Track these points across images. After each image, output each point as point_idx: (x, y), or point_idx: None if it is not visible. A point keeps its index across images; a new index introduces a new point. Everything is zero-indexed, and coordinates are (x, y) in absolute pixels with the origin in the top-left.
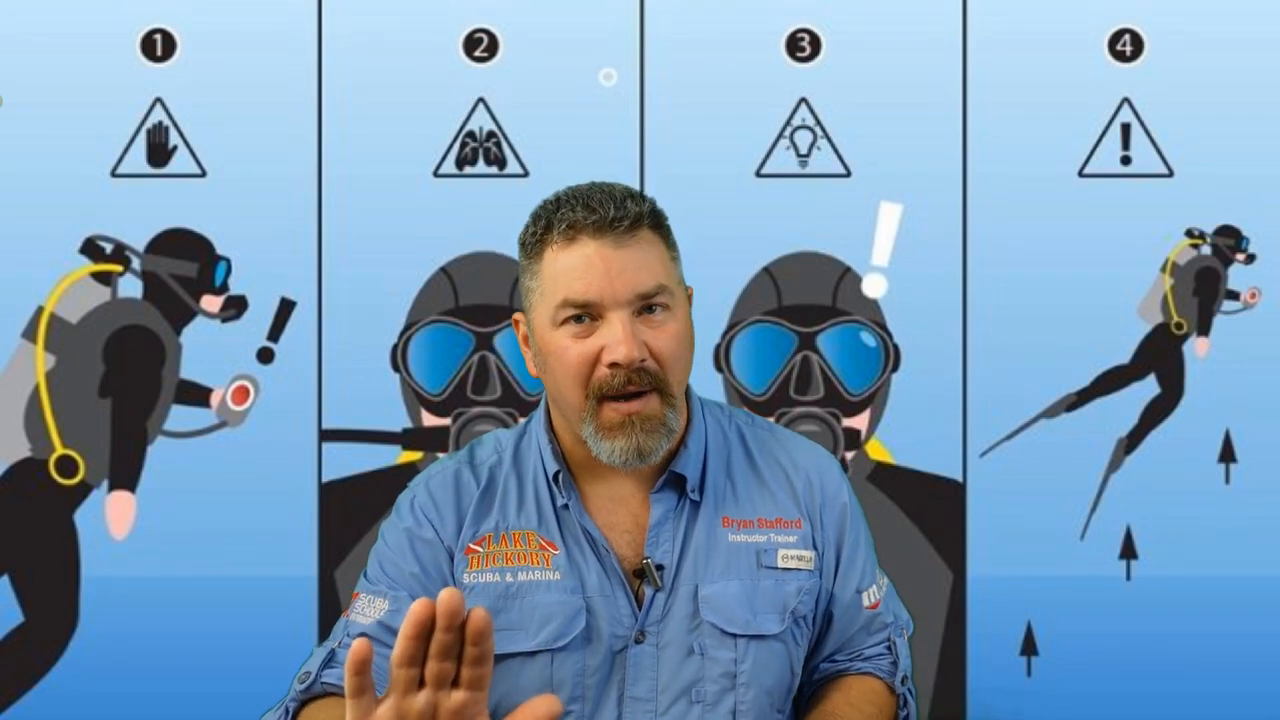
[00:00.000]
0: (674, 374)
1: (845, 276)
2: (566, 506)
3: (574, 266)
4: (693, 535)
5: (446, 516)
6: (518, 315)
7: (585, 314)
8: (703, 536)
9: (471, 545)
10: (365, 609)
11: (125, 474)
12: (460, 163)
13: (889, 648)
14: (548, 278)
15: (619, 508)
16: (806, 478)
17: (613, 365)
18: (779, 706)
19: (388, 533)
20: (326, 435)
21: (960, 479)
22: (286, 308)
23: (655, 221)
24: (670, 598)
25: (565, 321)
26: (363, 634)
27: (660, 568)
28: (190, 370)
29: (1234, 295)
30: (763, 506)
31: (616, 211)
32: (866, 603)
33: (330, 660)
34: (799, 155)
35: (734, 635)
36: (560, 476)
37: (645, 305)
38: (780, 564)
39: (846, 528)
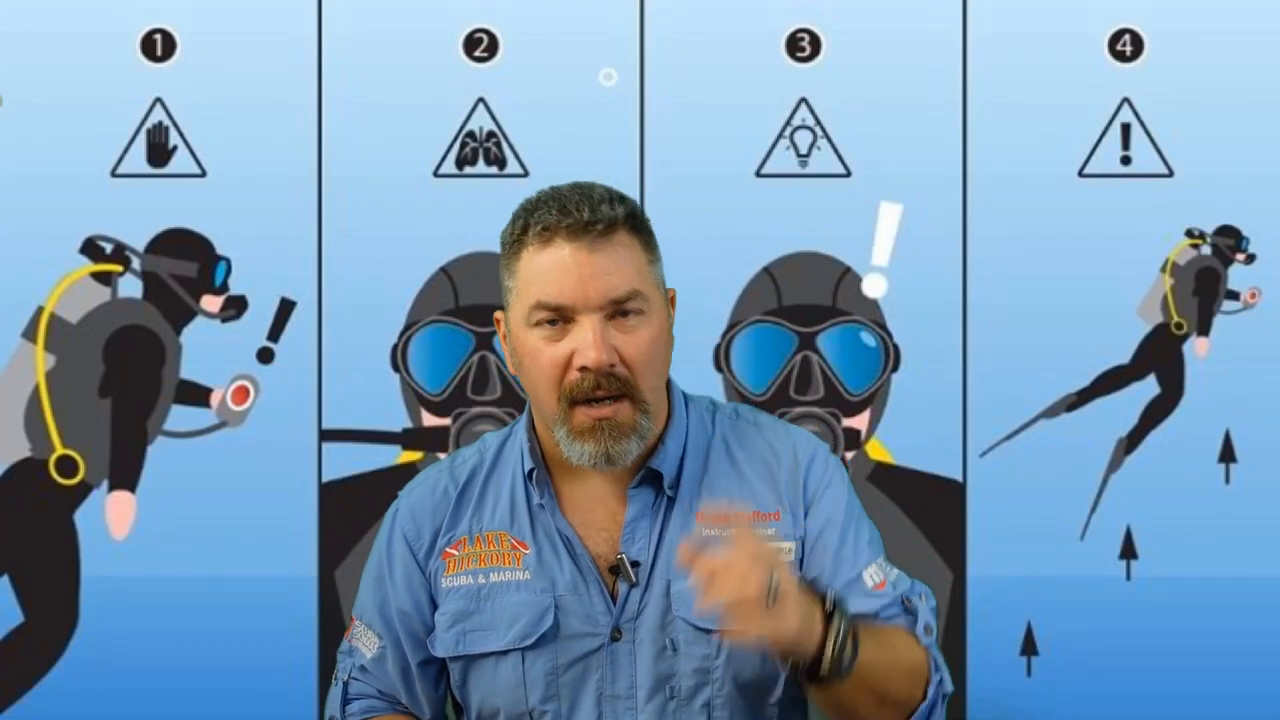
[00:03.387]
0: (645, 379)
1: (845, 276)
2: (542, 506)
3: (548, 269)
4: (668, 531)
5: (424, 529)
6: (498, 314)
7: (558, 317)
8: (677, 532)
9: (448, 550)
10: (363, 638)
11: (125, 474)
12: (460, 163)
13: (904, 606)
14: (523, 278)
15: (596, 506)
16: (786, 463)
17: (582, 369)
18: (764, 700)
19: (375, 545)
20: (326, 435)
21: (960, 479)
22: (286, 308)
23: (633, 224)
24: (645, 594)
25: (539, 323)
26: (364, 668)
27: (636, 564)
28: (190, 370)
29: (1234, 295)
30: (741, 499)
31: (591, 215)
32: (870, 583)
33: (347, 697)
34: (799, 155)
35: (707, 630)
36: (535, 475)
37: (618, 309)
38: None
39: (831, 510)
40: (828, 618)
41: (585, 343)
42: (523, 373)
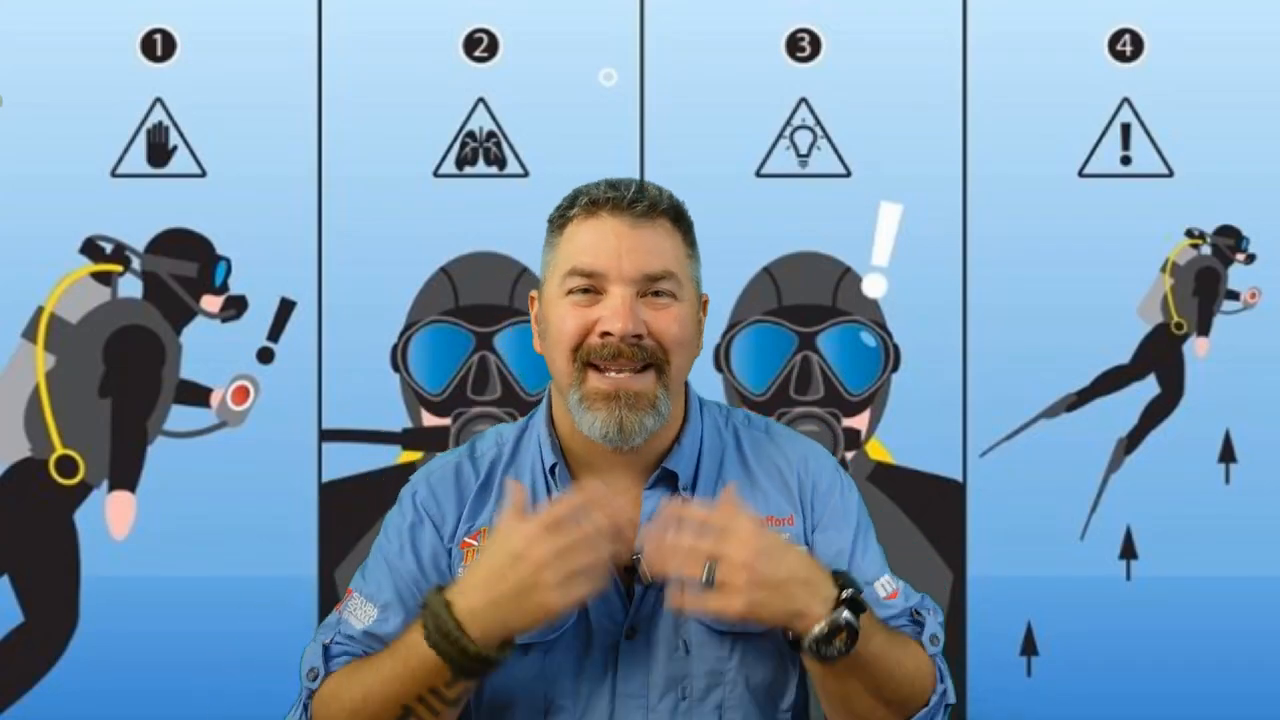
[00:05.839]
0: (674, 355)
1: (845, 276)
2: None
3: (588, 238)
4: None
5: (447, 511)
6: (533, 293)
7: (591, 285)
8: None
9: (467, 540)
10: (358, 611)
11: (125, 474)
12: (460, 163)
13: (913, 618)
14: (563, 250)
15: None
16: (799, 474)
17: (604, 334)
18: (774, 704)
19: (389, 526)
20: (326, 435)
21: (960, 479)
22: (286, 308)
23: (676, 215)
24: (660, 594)
25: (571, 291)
26: (350, 636)
27: None
28: (190, 370)
29: (1234, 295)
30: (754, 505)
31: (637, 193)
32: (882, 593)
33: (328, 655)
34: (799, 155)
35: (720, 632)
36: (556, 470)
37: (651, 288)
38: None
39: (844, 521)
40: (839, 601)
41: (612, 310)
42: (546, 341)
